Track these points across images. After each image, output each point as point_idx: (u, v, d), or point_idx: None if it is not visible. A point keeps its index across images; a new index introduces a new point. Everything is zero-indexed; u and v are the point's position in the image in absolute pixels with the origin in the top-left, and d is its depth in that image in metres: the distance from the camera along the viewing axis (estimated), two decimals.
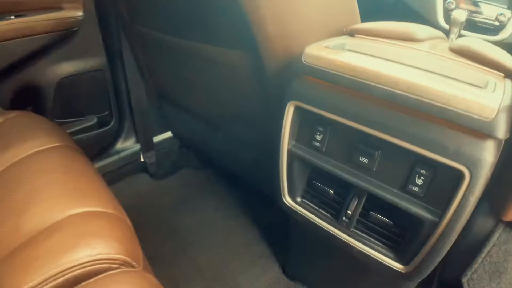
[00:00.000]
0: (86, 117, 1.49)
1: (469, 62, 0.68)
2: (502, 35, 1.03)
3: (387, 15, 1.17)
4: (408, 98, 0.57)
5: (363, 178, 0.70)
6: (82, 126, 1.46)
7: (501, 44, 0.95)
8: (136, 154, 1.68)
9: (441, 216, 0.61)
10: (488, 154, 0.54)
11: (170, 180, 1.73)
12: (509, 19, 1.00)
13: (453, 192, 0.58)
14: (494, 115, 0.52)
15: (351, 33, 0.80)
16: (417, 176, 0.62)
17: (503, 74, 0.62)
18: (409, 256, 0.70)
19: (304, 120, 0.75)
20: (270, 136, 0.80)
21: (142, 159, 1.68)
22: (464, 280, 0.93)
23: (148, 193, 1.64)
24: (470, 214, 0.60)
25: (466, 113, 0.52)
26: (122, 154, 1.64)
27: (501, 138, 0.53)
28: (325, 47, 0.70)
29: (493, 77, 0.61)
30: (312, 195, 0.84)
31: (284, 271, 1.26)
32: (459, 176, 0.56)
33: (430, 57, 0.69)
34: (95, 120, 1.50)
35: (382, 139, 0.62)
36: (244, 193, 1.61)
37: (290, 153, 0.78)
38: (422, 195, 0.63)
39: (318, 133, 0.73)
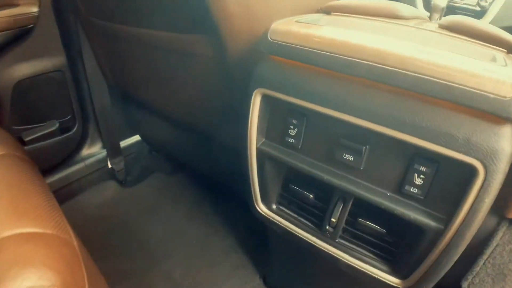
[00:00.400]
0: (47, 122, 1.41)
1: (464, 38, 0.61)
2: (484, 21, 0.99)
3: None
4: (401, 76, 0.49)
5: (349, 179, 0.62)
6: (43, 132, 1.38)
7: None
8: (103, 161, 1.60)
9: (447, 223, 0.53)
10: (506, 143, 0.46)
11: (140, 187, 1.66)
12: (490, 3, 0.97)
13: (462, 193, 0.50)
14: None
15: (327, 11, 0.74)
16: (415, 174, 0.54)
17: (505, 50, 0.57)
18: (407, 269, 0.63)
19: (274, 112, 0.68)
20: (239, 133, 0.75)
21: (109, 166, 1.61)
22: (465, 285, 0.86)
23: (117, 202, 1.56)
24: (483, 219, 0.51)
25: (477, 91, 0.44)
26: (88, 161, 1.57)
27: None
28: (296, 21, 0.62)
29: (497, 53, 0.54)
30: (289, 201, 0.77)
31: (265, 282, 1.20)
32: (471, 172, 0.48)
33: (421, 32, 0.62)
34: (57, 125, 1.42)
35: (370, 130, 0.54)
36: (220, 198, 1.56)
37: (259, 152, 0.71)
38: (423, 198, 0.56)
39: (291, 126, 0.66)
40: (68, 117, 1.46)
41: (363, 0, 0.72)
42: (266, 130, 0.70)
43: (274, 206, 0.78)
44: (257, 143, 0.70)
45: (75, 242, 0.72)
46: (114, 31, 1.03)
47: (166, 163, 1.76)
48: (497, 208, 0.73)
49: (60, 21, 1.30)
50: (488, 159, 0.46)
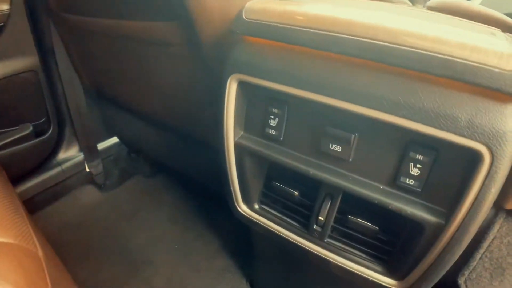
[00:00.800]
0: (20, 126, 1.36)
1: (456, 18, 0.59)
2: None
3: None
4: (394, 51, 0.44)
5: (337, 172, 0.58)
6: (16, 136, 1.33)
7: None
8: (80, 165, 1.57)
9: (448, 217, 0.49)
10: None
11: (119, 191, 1.64)
12: None
13: (465, 182, 0.46)
14: None
15: None
16: (411, 164, 0.50)
17: (499, 29, 0.54)
18: (404, 269, 0.60)
19: (253, 101, 0.64)
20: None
21: (87, 170, 1.58)
22: (461, 280, 0.84)
23: (95, 208, 1.53)
24: (489, 211, 0.48)
25: (481, 66, 0.40)
26: (65, 165, 1.53)
27: None
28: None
29: (494, 30, 0.51)
30: (273, 199, 0.73)
31: (252, 286, 1.18)
32: (475, 158, 0.44)
33: (412, 11, 0.59)
34: (31, 128, 1.37)
35: (359, 115, 0.50)
36: (202, 199, 1.53)
37: (237, 147, 0.66)
38: (420, 190, 0.52)
39: (272, 116, 0.61)
40: (43, 120, 1.42)
41: None
42: (244, 122, 0.66)
43: (256, 206, 0.75)
44: (234, 137, 0.66)
45: (40, 253, 0.69)
46: (86, 25, 1.00)
47: (145, 165, 1.74)
48: (494, 199, 0.71)
49: (32, 19, 1.26)
50: (494, 142, 0.42)
